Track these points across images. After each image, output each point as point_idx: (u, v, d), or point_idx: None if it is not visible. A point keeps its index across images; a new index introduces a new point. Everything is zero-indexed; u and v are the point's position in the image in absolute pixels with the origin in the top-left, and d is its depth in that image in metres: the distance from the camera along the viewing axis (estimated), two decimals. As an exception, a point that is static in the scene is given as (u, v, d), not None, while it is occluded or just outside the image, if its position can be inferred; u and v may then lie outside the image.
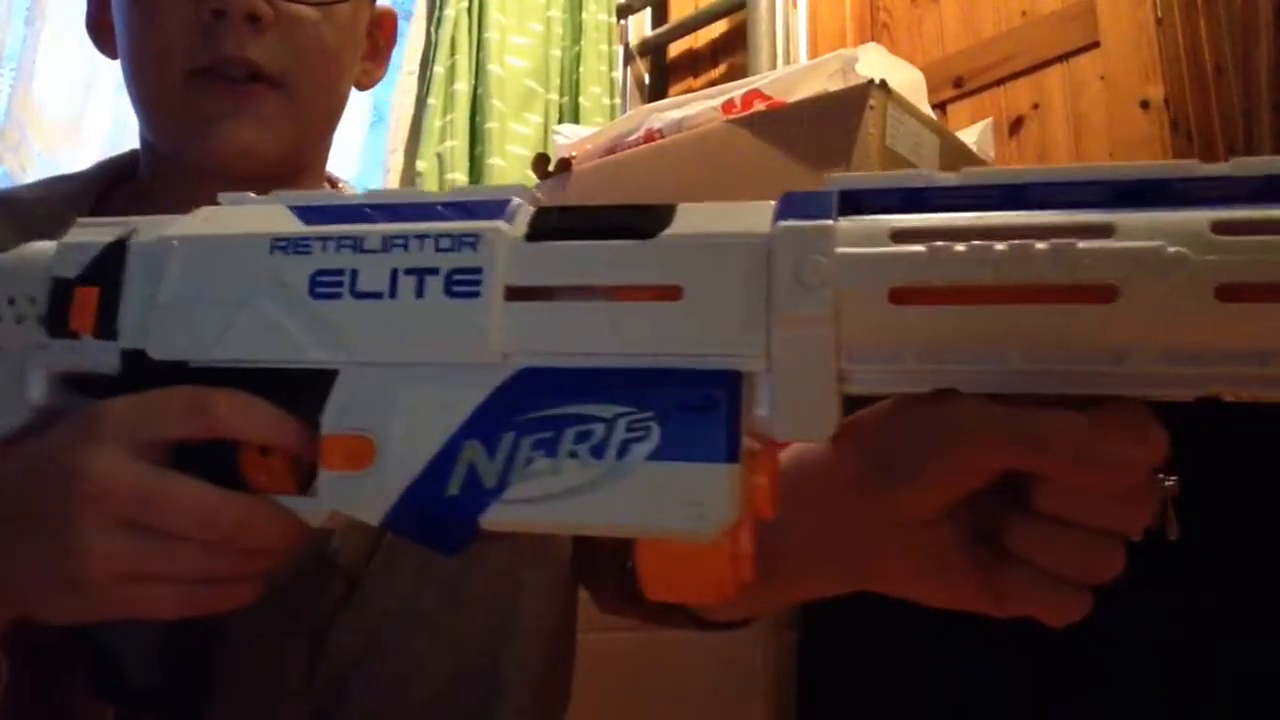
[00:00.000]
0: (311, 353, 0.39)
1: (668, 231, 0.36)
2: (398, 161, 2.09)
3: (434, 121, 2.04)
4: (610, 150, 1.68)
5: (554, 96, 2.19)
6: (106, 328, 0.42)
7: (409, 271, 0.38)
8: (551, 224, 0.38)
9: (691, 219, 0.36)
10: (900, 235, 0.34)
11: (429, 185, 2.00)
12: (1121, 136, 1.77)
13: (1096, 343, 0.32)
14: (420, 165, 2.02)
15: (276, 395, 0.40)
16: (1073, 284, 0.32)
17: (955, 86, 2.00)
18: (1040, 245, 0.32)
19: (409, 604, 0.56)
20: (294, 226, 0.41)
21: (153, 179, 0.74)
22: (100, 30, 0.75)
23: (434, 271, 0.38)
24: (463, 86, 2.06)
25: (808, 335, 0.34)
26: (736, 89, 1.58)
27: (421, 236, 0.38)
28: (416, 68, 2.11)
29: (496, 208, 0.39)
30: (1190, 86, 1.69)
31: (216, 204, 0.44)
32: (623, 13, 2.38)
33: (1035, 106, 1.90)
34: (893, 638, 1.03)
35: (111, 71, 1.77)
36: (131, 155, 0.77)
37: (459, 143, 2.04)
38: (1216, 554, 0.87)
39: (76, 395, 0.43)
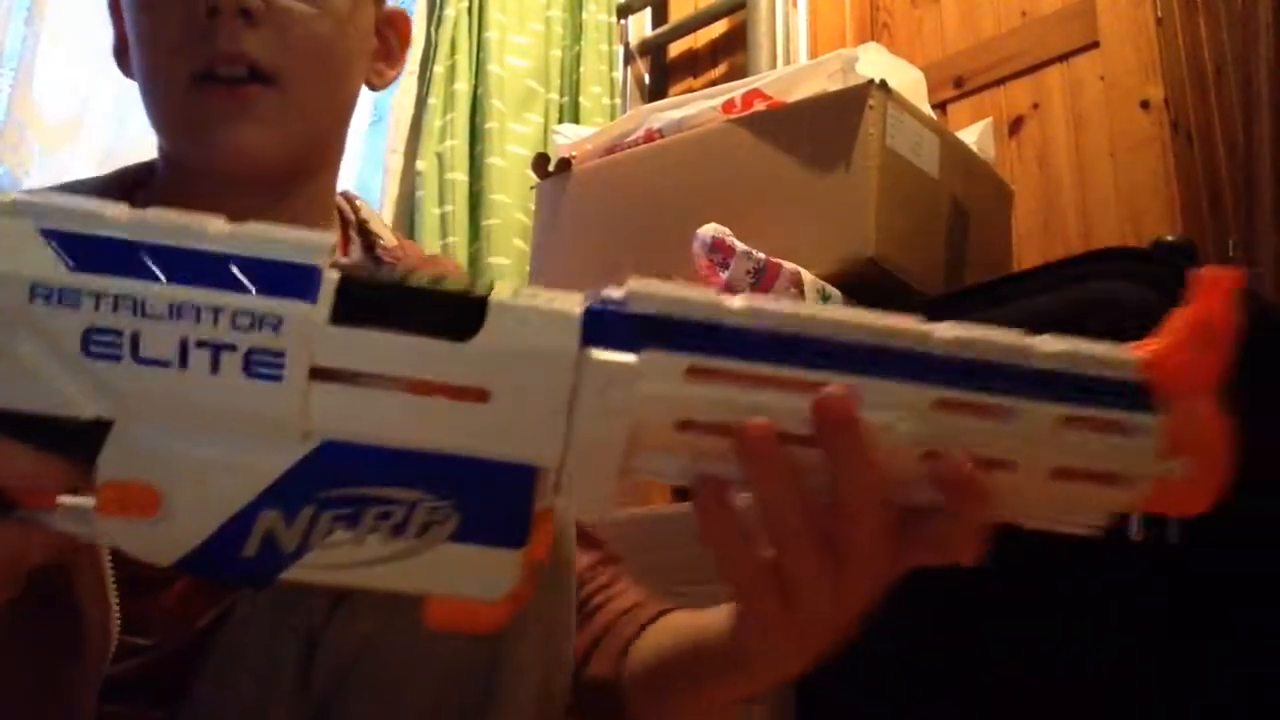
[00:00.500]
0: (87, 410, 0.36)
1: (480, 338, 0.37)
2: (397, 161, 2.09)
3: (434, 121, 2.04)
4: (610, 150, 1.68)
5: (554, 96, 2.19)
6: None
7: (201, 344, 0.36)
8: (360, 304, 0.37)
9: (504, 322, 0.37)
10: (692, 372, 0.38)
11: (429, 185, 2.00)
12: (1121, 136, 1.77)
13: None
14: (420, 165, 2.02)
15: (37, 439, 0.37)
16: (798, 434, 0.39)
17: (955, 86, 2.00)
18: (783, 403, 0.38)
19: (404, 606, 0.56)
20: (50, 268, 0.36)
21: (169, 185, 0.75)
22: (122, 55, 0.76)
23: (231, 348, 0.36)
24: (463, 86, 2.06)
25: (602, 448, 0.38)
26: (736, 89, 1.59)
27: (216, 309, 0.36)
28: (416, 68, 2.11)
29: (299, 277, 0.37)
30: (1190, 86, 1.69)
31: (229, 203, 0.41)
32: (623, 13, 2.38)
33: (1035, 106, 1.90)
34: (893, 638, 1.03)
35: (111, 71, 1.77)
36: (147, 164, 0.78)
37: (459, 143, 2.04)
38: (1214, 554, 0.87)
39: None
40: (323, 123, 0.74)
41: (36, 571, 0.41)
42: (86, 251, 0.36)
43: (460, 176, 2.02)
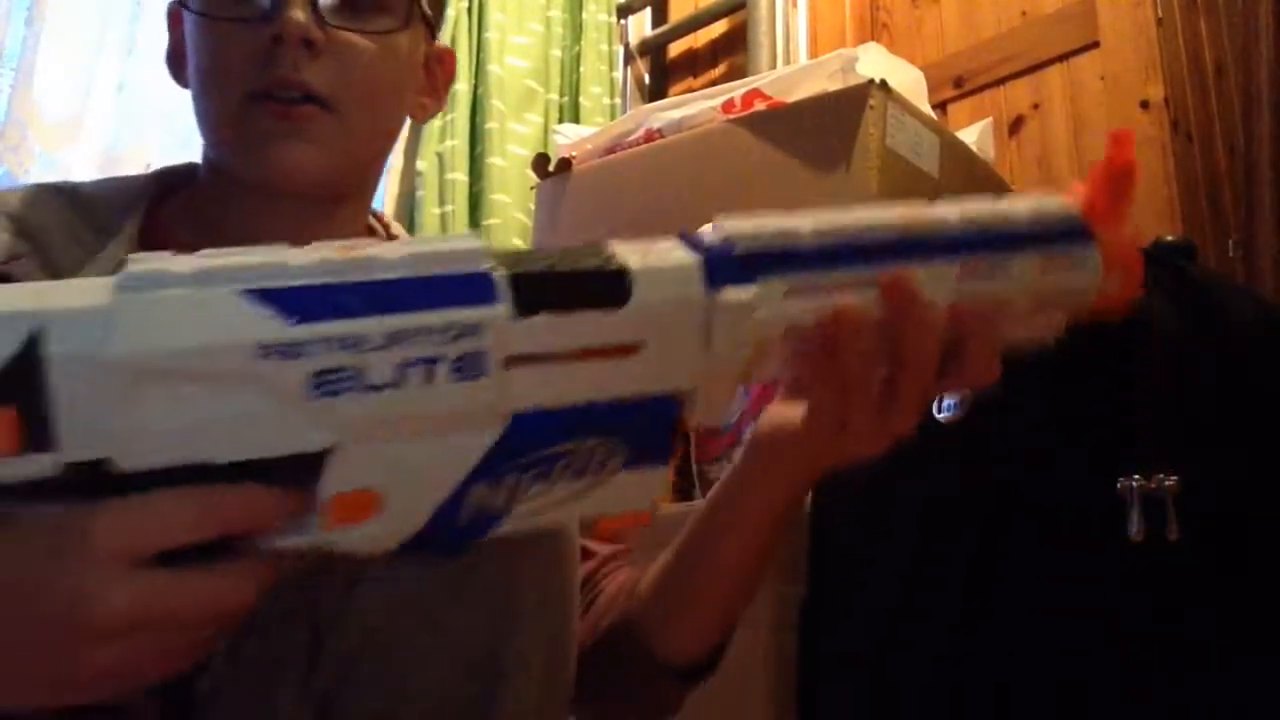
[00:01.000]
0: (315, 441, 0.41)
1: (631, 303, 0.44)
2: (398, 161, 2.09)
3: (434, 121, 2.04)
4: (610, 150, 1.68)
5: (554, 96, 2.19)
6: (40, 443, 0.39)
7: (415, 363, 0.41)
8: (531, 295, 0.43)
9: (644, 285, 0.44)
10: (790, 293, 0.48)
11: (429, 185, 2.00)
12: (1121, 136, 1.77)
13: None
14: (420, 165, 2.02)
15: (265, 477, 0.41)
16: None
17: (955, 86, 2.00)
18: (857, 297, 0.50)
19: (410, 600, 0.56)
20: (265, 326, 0.39)
21: (211, 193, 0.77)
22: (176, 61, 0.78)
23: (440, 359, 0.41)
24: (463, 86, 2.06)
25: (729, 368, 0.47)
26: (736, 89, 1.59)
27: (427, 331, 0.41)
28: (416, 68, 2.11)
29: (478, 284, 0.42)
30: (1190, 86, 1.69)
31: (268, 219, 0.44)
32: (623, 13, 2.38)
33: (1035, 106, 1.90)
34: (892, 638, 1.03)
35: (112, 71, 1.77)
36: (187, 167, 0.79)
37: (459, 143, 2.04)
38: (1214, 554, 0.87)
39: None
40: (370, 150, 0.76)
41: None
42: (293, 303, 0.40)
43: (460, 176, 2.02)
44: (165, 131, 1.78)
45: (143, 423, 0.39)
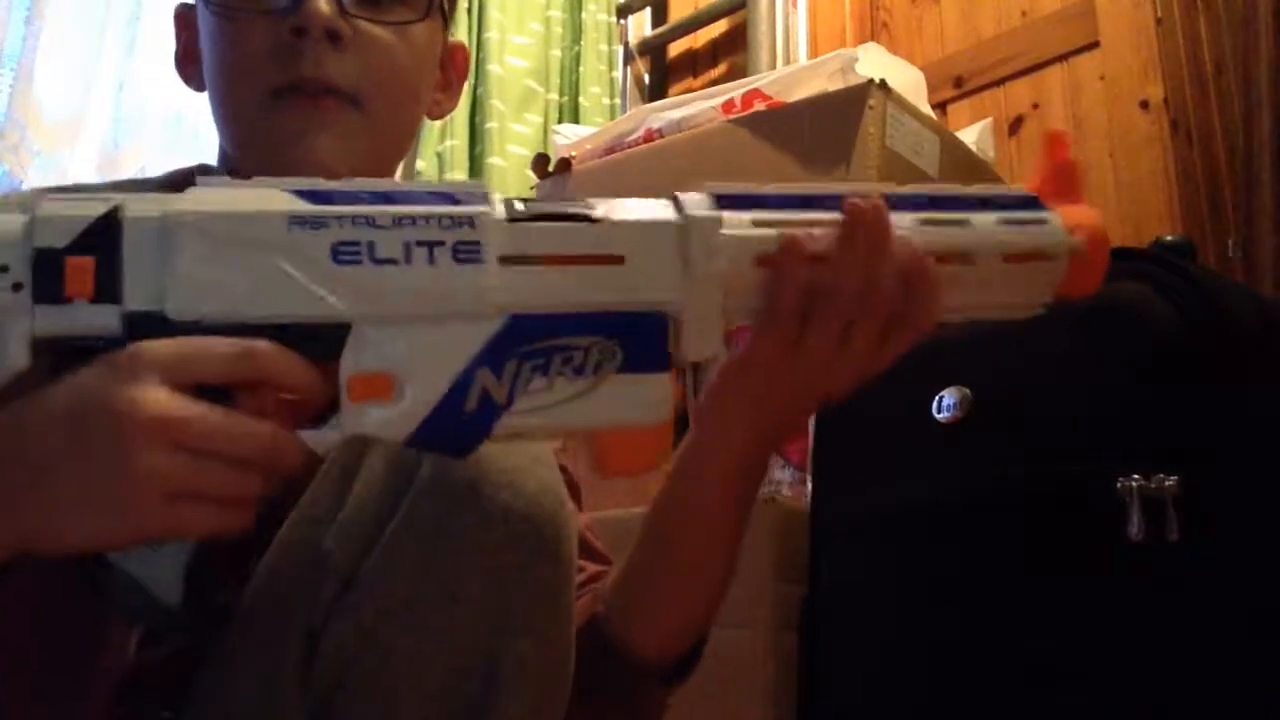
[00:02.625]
0: (338, 308, 0.48)
1: (608, 219, 0.51)
2: (398, 161, 2.09)
3: (434, 121, 2.04)
4: (610, 150, 1.68)
5: (554, 96, 2.19)
6: (107, 293, 0.47)
7: (419, 244, 0.48)
8: (520, 211, 0.50)
9: (621, 210, 0.52)
10: (757, 222, 0.54)
11: (429, 185, 2.00)
12: (1121, 136, 1.77)
13: None
14: (420, 165, 2.02)
15: (297, 347, 0.48)
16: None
17: (955, 86, 2.00)
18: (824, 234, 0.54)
19: (405, 603, 0.56)
20: (300, 205, 0.48)
21: None
22: (187, 63, 0.77)
23: (441, 244, 0.48)
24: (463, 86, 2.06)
25: (709, 287, 0.52)
26: (736, 89, 1.59)
27: (427, 217, 0.49)
28: (416, 68, 2.11)
29: (477, 195, 0.50)
30: (1190, 86, 1.69)
31: None
32: (623, 13, 2.38)
33: (1035, 106, 1.90)
34: (892, 637, 1.03)
35: (111, 71, 1.77)
36: (199, 169, 0.79)
37: (459, 142, 2.04)
38: (1215, 554, 0.87)
39: (57, 358, 0.47)
40: (392, 146, 0.76)
41: (72, 559, 0.47)
42: (323, 196, 0.49)
43: (460, 176, 2.02)
44: (165, 131, 1.78)
45: (193, 279, 0.47)
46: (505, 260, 0.49)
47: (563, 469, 0.78)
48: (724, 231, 0.52)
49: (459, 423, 0.48)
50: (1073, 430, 0.95)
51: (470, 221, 0.49)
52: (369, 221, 0.48)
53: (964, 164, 1.56)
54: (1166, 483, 0.87)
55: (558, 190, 1.71)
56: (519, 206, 0.51)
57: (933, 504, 1.01)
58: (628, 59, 2.37)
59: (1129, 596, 0.89)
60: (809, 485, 1.23)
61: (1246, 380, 0.91)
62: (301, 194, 0.49)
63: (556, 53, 2.22)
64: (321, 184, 0.50)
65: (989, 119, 1.77)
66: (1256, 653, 0.85)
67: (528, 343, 0.49)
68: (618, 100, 2.26)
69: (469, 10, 2.11)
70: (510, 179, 2.03)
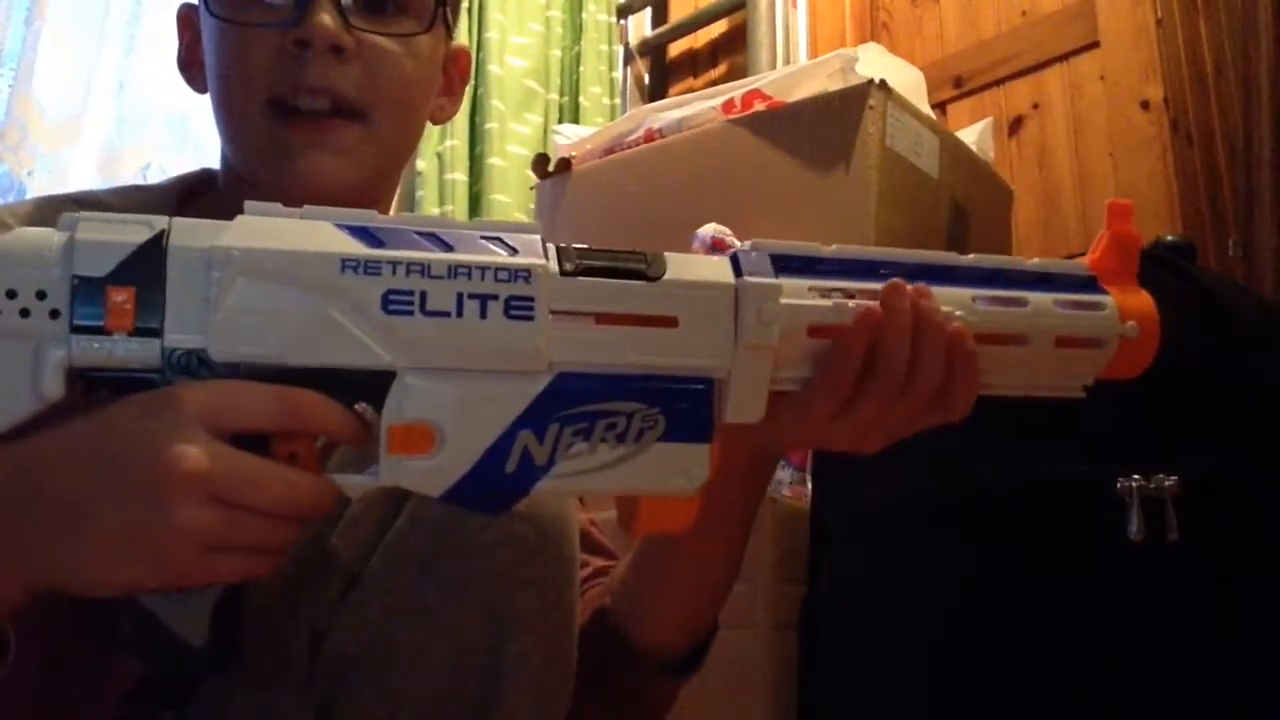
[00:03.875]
0: (384, 357, 0.46)
1: (667, 277, 0.50)
2: (398, 161, 2.09)
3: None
4: (610, 150, 1.68)
5: (554, 96, 2.19)
6: (149, 326, 0.45)
7: (472, 296, 0.47)
8: (575, 261, 0.49)
9: (680, 266, 0.51)
10: (813, 289, 0.52)
11: (429, 185, 2.00)
12: (1121, 136, 1.77)
13: None
14: (420, 165, 2.02)
15: (338, 393, 0.47)
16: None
17: (955, 86, 2.00)
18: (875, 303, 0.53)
19: (410, 601, 0.56)
20: (353, 246, 0.47)
21: (232, 201, 0.76)
22: (190, 67, 0.77)
23: (494, 297, 0.47)
24: (463, 86, 2.06)
25: (760, 355, 0.51)
26: (736, 89, 1.58)
27: (483, 269, 0.47)
28: (416, 68, 2.10)
29: (531, 247, 0.49)
30: (1190, 86, 1.69)
31: None
32: (623, 13, 2.38)
33: (1035, 106, 1.90)
34: (892, 637, 1.03)
35: (111, 71, 1.77)
36: (205, 174, 0.79)
37: (459, 143, 2.04)
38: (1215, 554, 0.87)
39: (88, 389, 0.46)
40: (397, 156, 0.76)
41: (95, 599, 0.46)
42: (374, 237, 0.48)
43: (460, 176, 2.02)
44: (165, 131, 1.78)
45: (237, 318, 0.45)
46: (558, 315, 0.48)
47: None
48: (783, 301, 0.51)
49: (497, 482, 0.48)
50: (1072, 430, 0.95)
51: (526, 276, 0.48)
52: (423, 271, 0.47)
53: (964, 164, 1.56)
54: (1166, 483, 0.87)
55: (558, 190, 1.71)
56: (573, 256, 0.50)
57: (933, 504, 1.01)
58: (628, 59, 2.37)
59: (1129, 596, 0.89)
60: (809, 485, 1.23)
61: (1246, 380, 0.91)
62: (353, 231, 0.48)
63: (556, 53, 2.22)
64: (374, 219, 0.48)
65: (989, 119, 1.77)
66: (1256, 653, 0.85)
67: (572, 405, 0.48)
68: (618, 100, 2.25)
69: (469, 10, 2.11)
70: (510, 179, 2.03)
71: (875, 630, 1.06)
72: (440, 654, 0.57)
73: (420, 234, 0.48)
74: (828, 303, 0.52)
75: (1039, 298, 0.56)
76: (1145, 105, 1.74)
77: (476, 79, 2.09)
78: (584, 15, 2.26)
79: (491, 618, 0.57)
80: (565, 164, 1.71)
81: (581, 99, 2.19)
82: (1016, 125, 1.91)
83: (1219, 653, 0.85)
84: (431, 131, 2.03)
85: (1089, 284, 0.58)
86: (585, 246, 0.50)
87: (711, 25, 2.31)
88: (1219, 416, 0.90)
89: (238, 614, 0.49)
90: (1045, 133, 1.88)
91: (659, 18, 2.42)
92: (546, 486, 0.48)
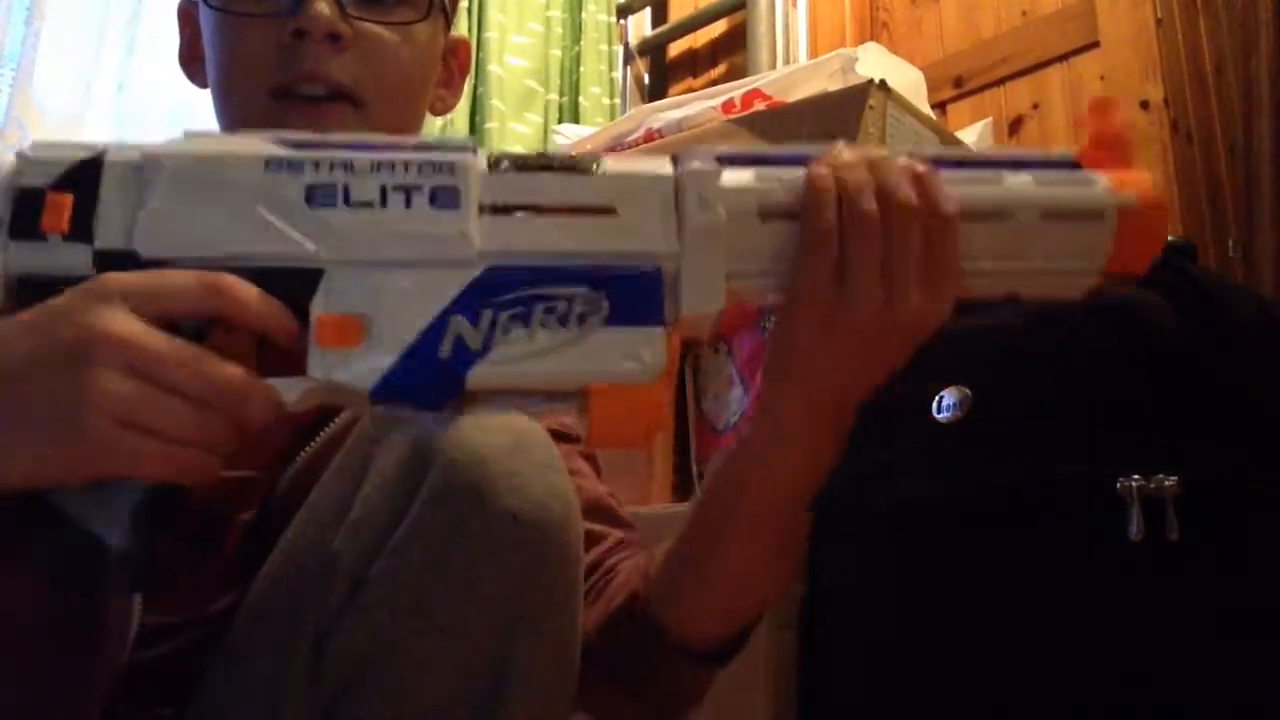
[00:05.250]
0: (311, 250, 0.48)
1: (601, 171, 0.50)
2: (398, 161, 2.09)
3: (434, 121, 2.04)
4: (610, 150, 1.68)
5: (554, 96, 2.19)
6: (81, 231, 0.47)
7: (396, 188, 0.48)
8: (504, 161, 0.50)
9: (613, 163, 0.51)
10: (760, 177, 0.52)
11: (429, 185, 2.00)
12: (1121, 136, 1.77)
13: None
14: (420, 165, 2.02)
15: (269, 287, 0.48)
16: None
17: (955, 86, 2.00)
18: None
19: (414, 605, 0.56)
20: (280, 149, 0.49)
21: None
22: (191, 62, 0.78)
23: (419, 188, 0.48)
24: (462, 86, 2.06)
25: (708, 240, 0.50)
26: (736, 89, 1.59)
27: (406, 164, 0.48)
28: (416, 68, 2.11)
29: (460, 146, 0.50)
30: (1190, 86, 1.69)
31: None
32: (623, 13, 2.38)
33: (1035, 106, 1.90)
34: (892, 636, 1.03)
35: (111, 71, 1.77)
36: None
37: (459, 142, 2.04)
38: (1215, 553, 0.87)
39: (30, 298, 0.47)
40: None
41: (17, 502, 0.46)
42: (303, 144, 0.49)
43: (460, 176, 2.02)
44: (165, 131, 1.78)
45: (165, 217, 0.47)
46: (486, 209, 0.48)
47: (580, 442, 0.78)
48: (723, 183, 0.51)
49: (431, 370, 0.47)
50: (1072, 430, 0.95)
51: (450, 168, 0.48)
52: (346, 166, 0.48)
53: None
54: (1166, 483, 0.87)
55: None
56: (504, 157, 0.50)
57: (932, 504, 1.01)
58: (628, 59, 2.37)
59: (1129, 596, 0.89)
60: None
61: (1246, 380, 0.91)
62: (277, 139, 0.49)
63: (556, 53, 2.22)
64: (305, 135, 0.50)
65: (989, 119, 1.77)
66: (1257, 652, 0.85)
67: (507, 291, 0.48)
68: (618, 100, 2.25)
69: (469, 10, 2.11)
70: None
71: (874, 629, 1.06)
72: (446, 657, 0.56)
73: (345, 142, 0.50)
74: (775, 185, 0.51)
75: (1019, 178, 0.53)
76: (1145, 105, 1.74)
77: (476, 79, 2.09)
78: (584, 15, 2.26)
79: (498, 621, 0.57)
80: (565, 164, 1.71)
81: (581, 99, 2.19)
82: (1016, 125, 1.91)
83: (1219, 652, 0.85)
84: (432, 130, 2.03)
85: (1070, 165, 0.54)
86: (521, 151, 0.51)
87: (711, 25, 2.31)
88: (1219, 416, 0.90)
89: (164, 523, 0.48)
90: (1045, 133, 1.88)
91: (659, 18, 2.42)
92: (483, 372, 0.47)
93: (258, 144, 0.49)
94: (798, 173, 0.52)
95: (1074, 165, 0.54)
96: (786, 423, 0.58)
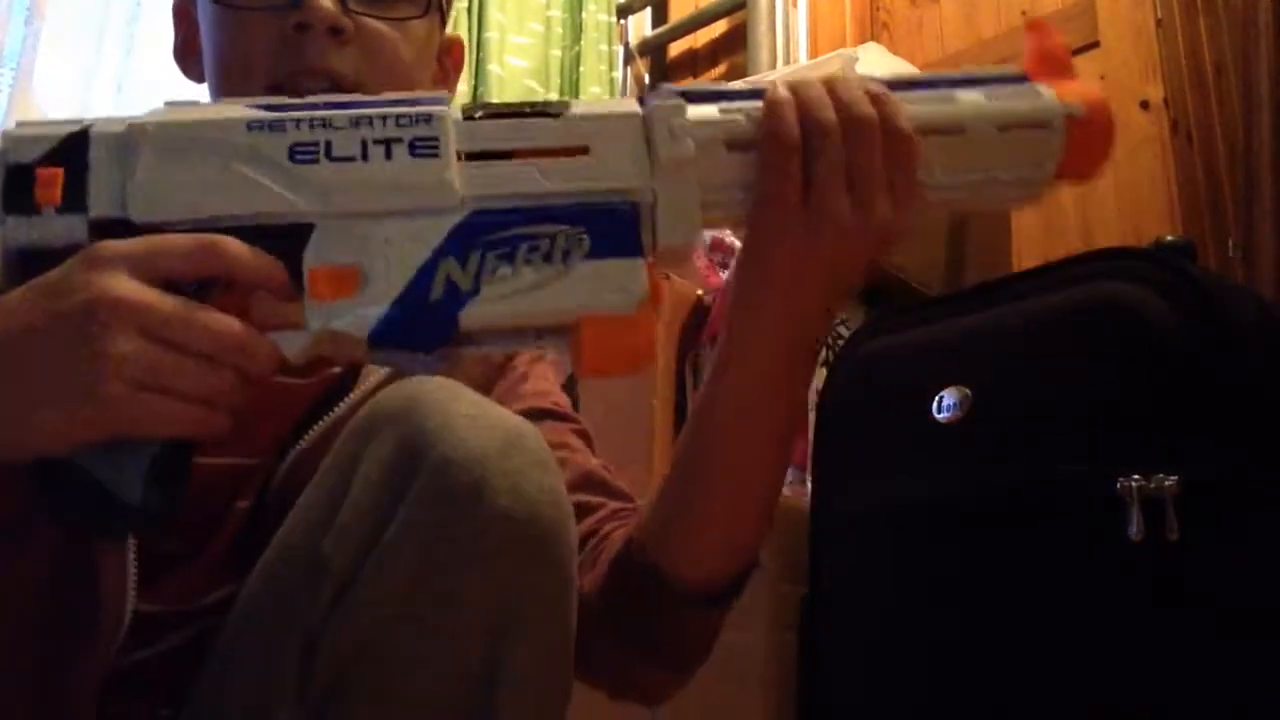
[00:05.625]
0: (298, 205, 0.50)
1: (572, 112, 0.53)
2: (398, 161, 2.09)
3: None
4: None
5: (554, 96, 2.19)
6: (75, 202, 0.49)
7: (377, 141, 0.50)
8: (480, 111, 0.52)
9: (582, 106, 0.53)
10: (724, 110, 0.54)
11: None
12: (1121, 136, 1.76)
13: None
14: (420, 165, 2.02)
15: (261, 243, 0.49)
16: None
17: (955, 86, 1.99)
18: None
19: (404, 608, 0.56)
20: (260, 112, 0.51)
21: None
22: (186, 56, 0.78)
23: (399, 140, 0.50)
24: (463, 86, 2.06)
25: (681, 172, 0.53)
26: (736, 89, 1.58)
27: (384, 117, 0.51)
28: (416, 68, 2.11)
29: (435, 100, 0.52)
30: (1190, 86, 1.69)
31: None
32: (623, 13, 2.38)
33: (1035, 106, 1.90)
34: (892, 637, 1.03)
35: (111, 71, 1.77)
36: None
37: (459, 142, 2.04)
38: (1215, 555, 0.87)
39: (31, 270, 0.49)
40: None
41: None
42: (281, 106, 0.51)
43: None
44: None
45: (154, 184, 0.49)
46: (464, 157, 0.51)
47: (572, 419, 0.78)
48: (689, 116, 0.53)
49: (424, 312, 0.49)
50: (1072, 430, 0.95)
51: (427, 119, 0.50)
52: (325, 124, 0.50)
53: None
54: (1166, 483, 0.87)
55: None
56: (477, 108, 0.53)
57: (933, 504, 1.01)
58: (628, 59, 2.37)
59: (1129, 596, 0.89)
60: (809, 485, 1.23)
61: (1246, 380, 0.91)
62: (258, 105, 0.51)
63: (556, 53, 2.22)
64: (285, 100, 0.52)
65: (989, 119, 1.77)
66: (1257, 652, 0.85)
67: (491, 232, 0.50)
68: (618, 100, 2.25)
69: (469, 10, 2.11)
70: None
71: (875, 630, 1.06)
72: (437, 663, 0.56)
73: (323, 103, 0.52)
74: (739, 117, 0.54)
75: (969, 94, 0.57)
76: (1145, 105, 1.74)
77: (476, 78, 2.09)
78: (584, 15, 2.26)
79: (489, 627, 0.56)
80: (565, 164, 1.71)
81: (582, 99, 2.19)
82: (1016, 125, 1.91)
83: (1219, 652, 0.85)
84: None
85: (1018, 79, 0.58)
86: (494, 102, 0.54)
87: (711, 25, 2.31)
88: (1219, 416, 0.90)
89: (178, 473, 0.49)
90: (1045, 133, 1.87)
91: (659, 18, 2.42)
92: (475, 312, 0.49)
93: (238, 109, 0.51)
94: (759, 103, 0.55)
95: (1022, 79, 0.58)
96: (758, 345, 0.59)
